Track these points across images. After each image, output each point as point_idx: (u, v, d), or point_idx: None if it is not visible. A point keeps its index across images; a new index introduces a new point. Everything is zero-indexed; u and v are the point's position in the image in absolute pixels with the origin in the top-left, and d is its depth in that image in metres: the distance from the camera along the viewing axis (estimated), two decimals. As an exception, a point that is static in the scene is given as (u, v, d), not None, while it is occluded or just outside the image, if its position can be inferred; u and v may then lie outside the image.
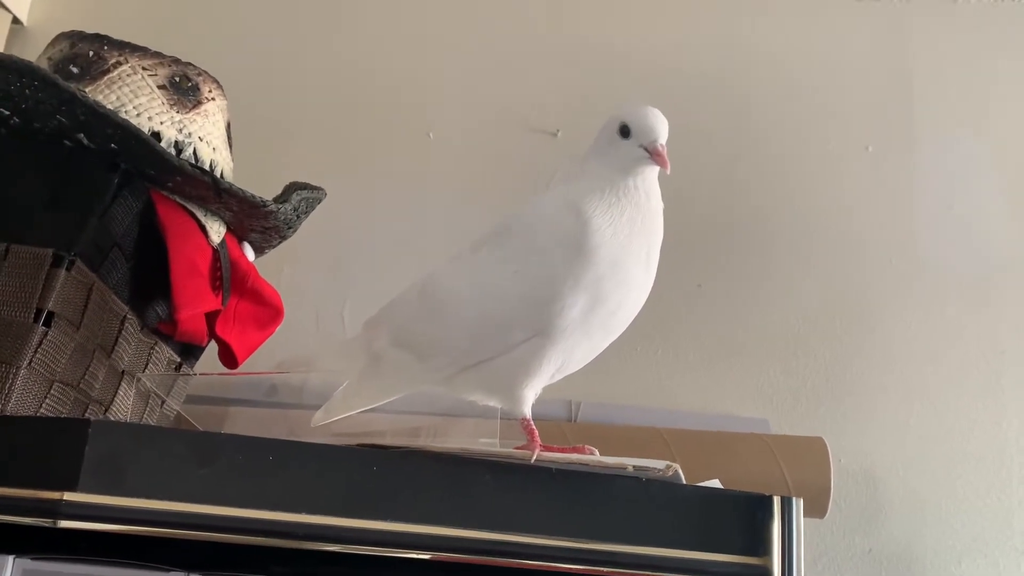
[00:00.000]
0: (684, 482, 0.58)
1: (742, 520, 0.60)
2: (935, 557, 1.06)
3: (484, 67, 1.23)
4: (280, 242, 0.84)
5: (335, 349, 0.67)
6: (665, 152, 0.58)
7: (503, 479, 0.57)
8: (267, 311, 0.83)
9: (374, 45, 1.24)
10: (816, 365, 1.12)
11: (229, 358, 0.81)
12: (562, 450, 0.57)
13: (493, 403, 0.61)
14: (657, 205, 0.60)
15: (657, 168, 0.60)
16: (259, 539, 0.53)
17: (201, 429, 0.82)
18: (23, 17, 1.29)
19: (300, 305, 1.04)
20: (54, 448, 0.53)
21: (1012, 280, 1.15)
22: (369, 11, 1.26)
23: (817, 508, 0.87)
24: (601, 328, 0.58)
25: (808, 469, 0.87)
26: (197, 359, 0.85)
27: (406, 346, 0.60)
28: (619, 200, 0.58)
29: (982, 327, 1.13)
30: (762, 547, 0.59)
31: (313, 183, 0.80)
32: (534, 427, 0.58)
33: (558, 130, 1.21)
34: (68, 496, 0.51)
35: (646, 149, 0.59)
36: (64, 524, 0.51)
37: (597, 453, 0.57)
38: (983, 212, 1.17)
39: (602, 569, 0.57)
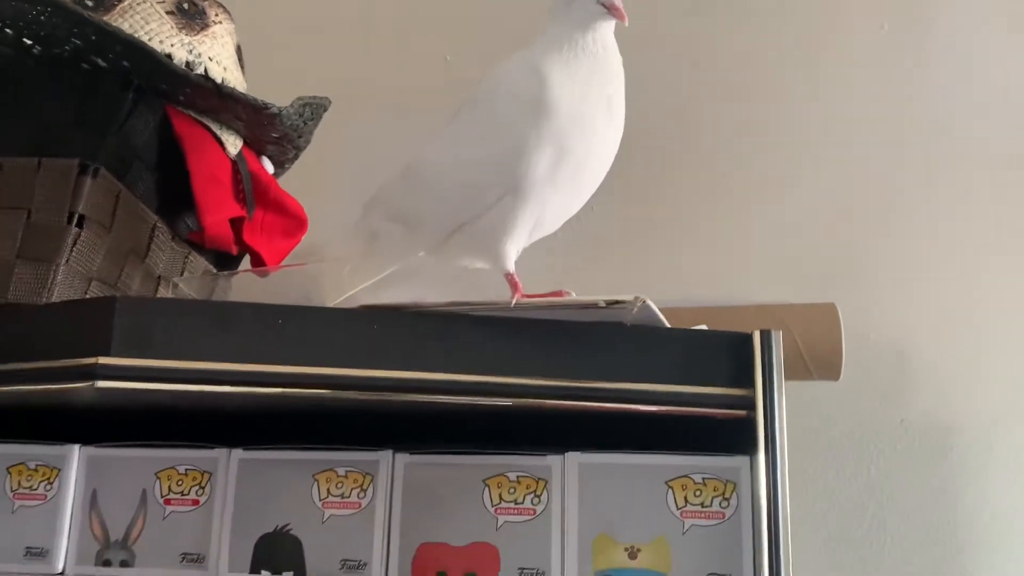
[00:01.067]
0: (660, 316, 0.61)
1: (725, 355, 0.64)
2: (967, 423, 1.07)
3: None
4: (295, 153, 0.89)
5: (341, 234, 0.73)
6: (621, 4, 0.62)
7: (490, 328, 0.61)
8: (292, 221, 0.89)
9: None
10: (840, 246, 1.13)
11: (260, 266, 0.87)
12: (540, 296, 0.61)
13: (480, 264, 0.66)
14: (615, 57, 0.63)
15: (614, 22, 0.63)
16: (270, 390, 0.59)
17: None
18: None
19: (323, 230, 1.10)
20: (88, 323, 0.59)
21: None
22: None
23: (831, 370, 0.90)
24: (571, 181, 0.62)
25: (820, 333, 0.89)
26: (235, 269, 0.92)
27: (397, 219, 0.66)
28: (576, 56, 0.61)
29: (1009, 198, 1.12)
30: (745, 378, 0.63)
31: (330, 116, 0.85)
32: (517, 280, 0.62)
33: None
34: (103, 360, 0.58)
35: (603, 4, 0.62)
36: (101, 384, 0.58)
37: (574, 295, 0.61)
38: (1007, 81, 1.16)
39: (589, 404, 0.62)
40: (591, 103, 0.61)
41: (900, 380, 1.09)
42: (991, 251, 1.11)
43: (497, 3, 1.25)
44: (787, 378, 0.93)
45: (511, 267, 0.63)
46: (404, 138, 1.19)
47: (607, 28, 0.64)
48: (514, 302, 0.60)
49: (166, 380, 0.59)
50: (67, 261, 0.67)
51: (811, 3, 1.21)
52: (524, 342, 0.61)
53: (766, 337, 0.63)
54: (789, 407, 1.02)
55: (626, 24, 0.62)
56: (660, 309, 0.99)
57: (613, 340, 0.63)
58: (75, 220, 0.67)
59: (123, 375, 0.58)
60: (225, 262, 0.90)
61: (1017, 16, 1.17)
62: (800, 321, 0.90)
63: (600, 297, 0.58)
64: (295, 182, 0.93)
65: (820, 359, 0.87)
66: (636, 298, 0.58)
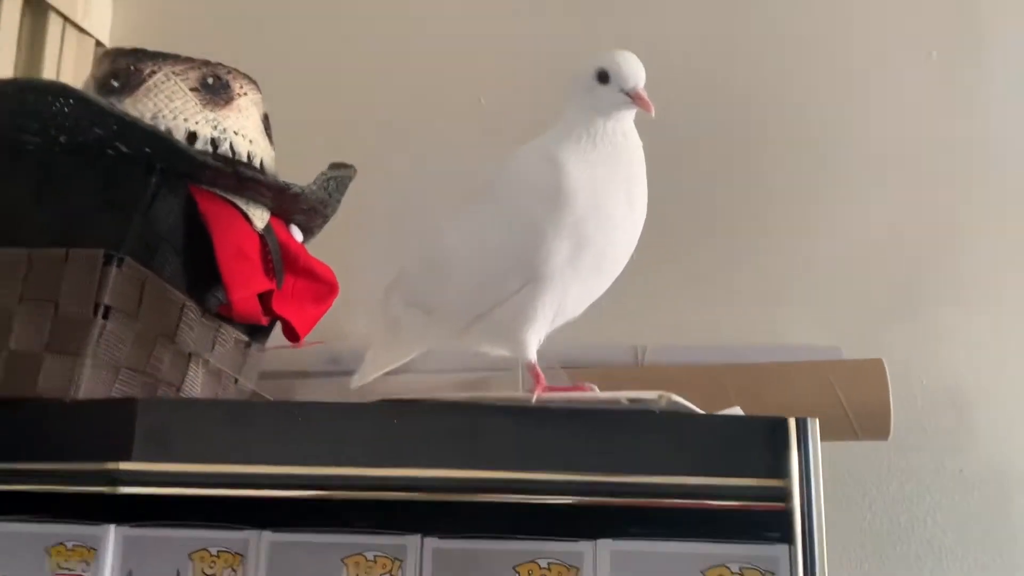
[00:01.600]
0: (689, 407, 0.59)
1: (759, 443, 0.61)
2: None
3: (536, 30, 1.25)
4: (323, 222, 0.89)
5: (364, 315, 0.72)
6: (645, 94, 0.60)
7: (514, 420, 0.60)
8: (323, 287, 0.89)
9: (424, 11, 1.27)
10: (890, 287, 1.09)
11: (291, 333, 0.87)
12: (562, 389, 0.59)
13: (501, 351, 0.64)
14: (635, 144, 0.61)
15: (634, 111, 0.61)
16: (291, 492, 0.59)
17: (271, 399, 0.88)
18: (105, 39, 1.39)
19: (358, 279, 1.09)
20: (109, 425, 0.59)
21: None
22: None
23: (880, 429, 0.86)
24: (592, 270, 0.60)
25: (867, 391, 0.86)
26: (266, 338, 0.92)
27: (417, 305, 0.64)
28: (595, 145, 0.59)
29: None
30: (780, 468, 0.60)
31: (366, 157, 0.85)
32: (539, 371, 0.61)
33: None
34: (124, 465, 0.58)
35: (627, 94, 0.60)
36: (123, 490, 0.57)
37: (596, 390, 0.59)
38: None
39: (619, 500, 0.60)
40: (610, 192, 0.59)
41: (956, 429, 1.04)
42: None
43: (531, 43, 1.23)
44: (833, 439, 0.90)
45: (533, 356, 0.62)
46: (438, 183, 1.21)
47: (628, 116, 0.62)
48: (535, 397, 0.58)
49: (187, 484, 0.58)
50: (94, 354, 0.67)
51: (857, 33, 1.16)
52: (550, 434, 0.60)
53: (802, 425, 0.61)
54: (840, 461, 1.00)
55: (652, 115, 0.60)
56: (702, 367, 0.97)
57: (642, 430, 0.61)
58: (100, 311, 0.67)
59: (144, 480, 0.58)
60: (256, 330, 0.90)
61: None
62: (846, 379, 0.86)
63: (623, 394, 0.56)
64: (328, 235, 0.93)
65: (867, 419, 0.84)
66: (660, 396, 0.56)
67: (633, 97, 0.61)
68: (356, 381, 0.69)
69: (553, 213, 0.58)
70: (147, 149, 0.70)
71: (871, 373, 0.86)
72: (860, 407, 0.84)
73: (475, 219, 0.62)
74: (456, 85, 1.24)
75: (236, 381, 0.87)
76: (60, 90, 0.68)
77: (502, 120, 1.22)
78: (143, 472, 0.58)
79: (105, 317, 0.68)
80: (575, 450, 0.60)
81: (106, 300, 0.68)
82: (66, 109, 0.69)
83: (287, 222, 0.87)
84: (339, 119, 1.22)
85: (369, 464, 0.59)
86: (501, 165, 0.64)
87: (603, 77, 0.62)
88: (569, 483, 0.59)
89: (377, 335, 0.68)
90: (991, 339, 1.06)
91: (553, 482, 0.59)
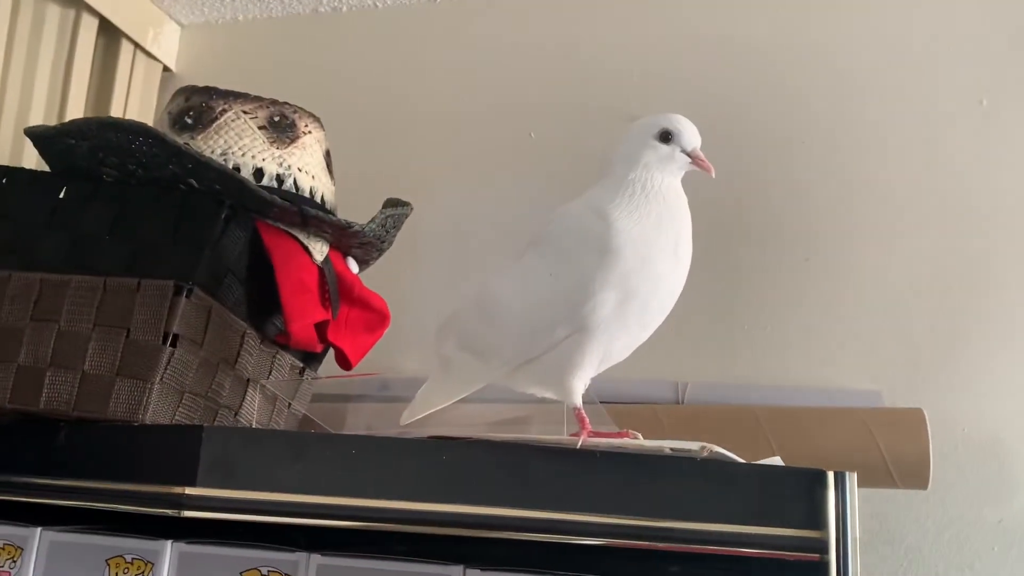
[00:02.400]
0: (732, 457, 0.61)
1: (797, 494, 0.63)
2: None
3: (582, 63, 1.28)
4: (379, 255, 0.92)
5: (415, 349, 0.75)
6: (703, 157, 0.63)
7: (562, 462, 0.62)
8: (375, 316, 0.92)
9: (476, 48, 1.31)
10: (932, 333, 1.09)
11: (344, 361, 0.90)
12: (607, 435, 0.61)
13: (548, 395, 0.67)
14: (683, 200, 0.64)
15: (687, 171, 0.64)
16: (344, 523, 0.61)
17: (324, 426, 0.92)
18: (172, 65, 1.45)
19: (416, 310, 1.12)
20: (176, 450, 0.63)
21: None
22: (473, 20, 1.33)
23: (919, 479, 0.87)
24: (637, 320, 0.62)
25: (906, 441, 0.86)
26: (320, 363, 0.95)
27: (468, 349, 0.67)
28: (647, 200, 0.62)
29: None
30: (818, 520, 0.62)
31: (423, 191, 0.88)
32: (584, 415, 0.63)
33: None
34: (189, 490, 0.61)
35: (688, 155, 0.63)
36: (187, 514, 0.61)
37: (640, 437, 0.61)
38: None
39: (658, 544, 0.62)
40: (658, 247, 0.61)
41: (997, 479, 1.04)
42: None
43: (579, 75, 1.26)
44: (871, 486, 0.91)
45: (579, 402, 0.64)
46: (490, 214, 1.24)
47: (680, 174, 0.64)
48: (580, 443, 0.60)
49: (247, 511, 0.61)
50: (161, 379, 0.71)
51: (907, 78, 1.17)
52: (591, 477, 0.62)
53: (840, 478, 0.62)
54: (877, 509, 1.00)
55: (713, 176, 0.63)
56: (742, 408, 0.98)
57: (682, 476, 0.63)
58: (169, 339, 0.71)
59: (207, 506, 0.61)
60: (310, 356, 0.93)
61: None
62: (885, 427, 0.87)
63: (666, 443, 0.58)
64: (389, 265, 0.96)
65: (906, 468, 0.85)
66: (703, 447, 0.58)
67: (694, 158, 0.64)
68: (406, 417, 0.72)
69: (601, 265, 0.60)
70: (217, 187, 0.74)
71: (911, 422, 0.87)
72: (899, 456, 0.85)
73: (527, 270, 0.65)
74: (507, 119, 1.28)
75: (289, 405, 0.91)
76: (141, 130, 0.72)
77: (549, 151, 1.25)
78: (206, 497, 0.61)
79: (173, 345, 0.71)
80: (615, 493, 0.62)
81: (175, 328, 0.71)
82: (144, 147, 0.73)
83: (344, 254, 0.90)
84: (396, 154, 1.26)
85: (416, 498, 0.62)
86: (553, 218, 0.67)
87: (665, 137, 0.65)
88: (608, 526, 0.61)
89: (431, 373, 0.71)
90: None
91: (592, 524, 0.61)
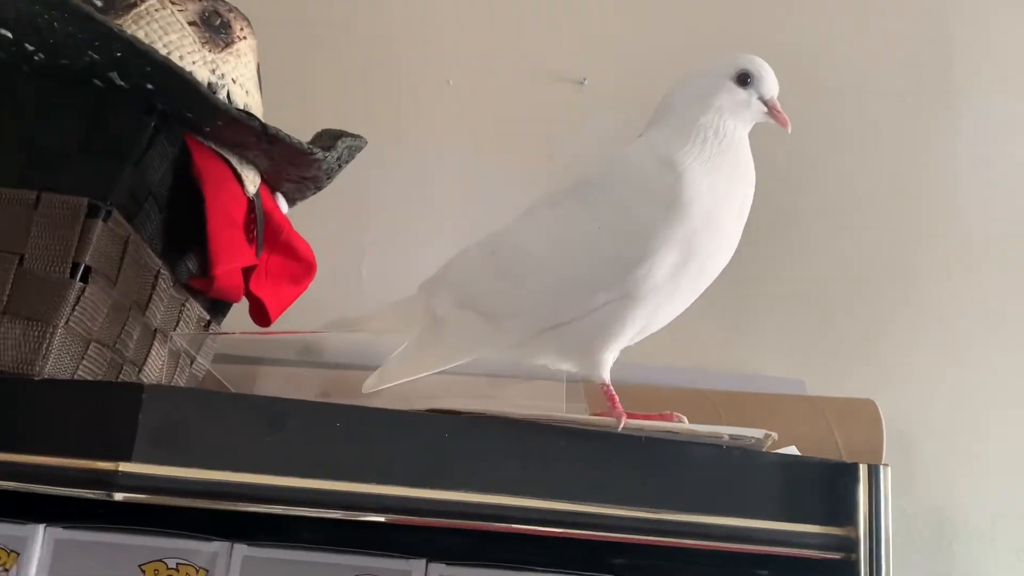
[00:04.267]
0: (795, 453, 0.55)
1: (826, 489, 0.57)
2: (968, 517, 1.05)
3: (505, 10, 1.18)
4: (314, 193, 0.79)
5: (388, 311, 0.63)
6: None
7: (582, 447, 0.53)
8: (300, 266, 0.79)
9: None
10: (852, 324, 1.09)
11: (262, 315, 0.77)
12: (649, 417, 0.53)
13: (567, 367, 0.57)
14: (750, 156, 0.56)
15: (754, 121, 0.56)
16: (327, 511, 0.50)
17: (231, 388, 0.78)
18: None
19: (336, 260, 1.00)
20: (106, 415, 0.48)
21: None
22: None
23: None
24: (689, 286, 0.55)
25: (859, 432, 0.84)
26: (225, 315, 0.81)
27: (474, 308, 0.56)
28: (720, 148, 0.54)
29: (1020, 285, 1.11)
30: (847, 517, 0.57)
31: (361, 121, 0.76)
32: (614, 393, 0.54)
33: (584, 78, 1.16)
34: (124, 467, 0.47)
35: (765, 103, 0.55)
36: (120, 497, 0.47)
37: (686, 420, 0.53)
38: (1021, 169, 1.14)
39: (681, 541, 0.55)
40: (726, 206, 0.53)
41: (904, 467, 1.06)
42: (1001, 339, 1.09)
43: (500, 24, 1.16)
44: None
45: (607, 376, 0.55)
46: (404, 166, 1.12)
47: (750, 124, 0.57)
48: (621, 426, 0.51)
49: (197, 495, 0.48)
50: (67, 322, 0.55)
51: (835, 74, 1.16)
52: (617, 464, 0.54)
53: (874, 472, 0.57)
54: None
55: (788, 131, 0.55)
56: (692, 392, 0.93)
57: (709, 466, 0.56)
58: (79, 273, 0.56)
59: (146, 486, 0.48)
60: (220, 307, 0.79)
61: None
62: (841, 417, 0.84)
63: (723, 429, 0.51)
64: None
65: (859, 459, 0.82)
66: (767, 435, 0.51)
67: (771, 108, 0.56)
68: (372, 384, 0.60)
69: (665, 220, 0.52)
70: (150, 85, 0.59)
71: (865, 413, 0.85)
72: (855, 448, 0.83)
73: (566, 220, 0.55)
74: (424, 64, 1.16)
75: (192, 362, 0.76)
76: (58, 1, 0.55)
77: (470, 102, 1.15)
78: (146, 476, 0.47)
79: (84, 279, 0.56)
80: (636, 483, 0.54)
81: (87, 259, 0.56)
82: (56, 23, 0.57)
83: (273, 189, 0.77)
84: (298, 87, 1.11)
85: (415, 484, 0.51)
86: (605, 162, 0.57)
87: (743, 80, 0.56)
88: (636, 521, 0.53)
89: (408, 336, 0.59)
90: (940, 382, 1.08)
91: (606, 517, 0.53)
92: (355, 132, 0.80)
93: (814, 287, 1.10)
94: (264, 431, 0.50)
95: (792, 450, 0.62)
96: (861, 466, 0.57)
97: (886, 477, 0.57)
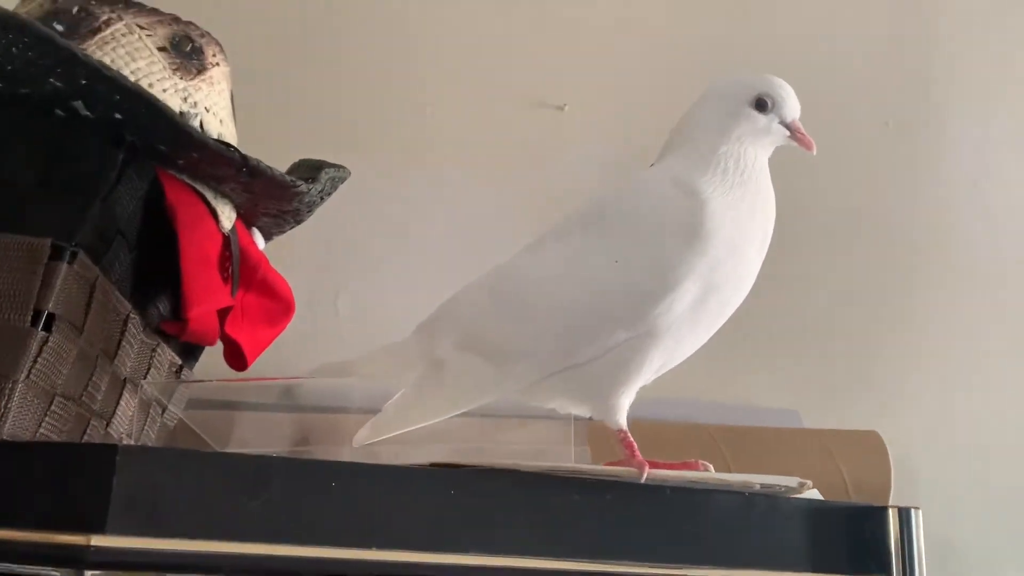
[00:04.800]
0: (814, 498, 0.51)
1: (856, 534, 0.54)
2: (971, 547, 1.02)
3: (484, 37, 1.15)
4: (293, 227, 0.74)
5: (381, 354, 0.59)
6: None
7: (600, 500, 0.49)
8: (278, 305, 0.74)
9: (368, 14, 1.14)
10: (846, 353, 1.07)
11: (238, 358, 0.72)
12: (672, 466, 0.49)
13: (579, 411, 0.53)
14: (770, 185, 0.53)
15: (776, 145, 0.53)
16: (325, 583, 0.45)
17: (207, 439, 0.72)
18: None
19: (319, 300, 0.95)
20: (75, 481, 0.43)
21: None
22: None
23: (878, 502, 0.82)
24: (710, 321, 0.51)
25: (865, 466, 0.81)
26: (198, 359, 0.76)
27: (478, 350, 0.52)
28: (743, 179, 0.50)
29: (1012, 309, 1.09)
30: (879, 564, 0.53)
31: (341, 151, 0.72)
32: (632, 440, 0.50)
33: (565, 104, 1.13)
34: (96, 540, 0.42)
35: (787, 127, 0.52)
36: (92, 574, 0.42)
37: (712, 468, 0.50)
38: (1009, 189, 1.13)
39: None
40: (749, 237, 0.50)
41: (904, 498, 1.03)
42: (997, 364, 1.07)
43: (479, 51, 1.13)
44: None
45: (624, 422, 0.51)
46: (381, 195, 1.07)
47: (771, 149, 0.53)
48: (644, 477, 0.47)
49: (177, 568, 0.43)
50: (28, 375, 0.50)
51: (813, 97, 1.15)
52: (638, 518, 0.49)
53: (905, 516, 0.54)
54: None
55: (814, 153, 0.52)
56: (690, 425, 0.89)
57: (734, 516, 0.52)
58: (42, 321, 0.51)
59: (121, 560, 0.42)
60: (192, 351, 0.74)
61: (1018, 119, 1.15)
62: (845, 450, 0.81)
63: (755, 479, 0.47)
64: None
65: (868, 494, 0.79)
66: (801, 483, 0.47)
67: (793, 131, 0.53)
68: (366, 436, 0.55)
69: (688, 252, 0.48)
70: (118, 115, 0.54)
71: (871, 446, 0.82)
72: (861, 481, 0.79)
73: (578, 252, 0.51)
74: (402, 91, 1.12)
75: (164, 411, 0.71)
76: (16, 24, 0.51)
77: (449, 129, 1.11)
78: (121, 550, 0.42)
79: (47, 328, 0.51)
80: (659, 538, 0.50)
81: (50, 306, 0.51)
82: (14, 48, 0.52)
83: (249, 224, 0.72)
84: (274, 115, 1.06)
85: (420, 547, 0.46)
86: (621, 189, 0.53)
87: (762, 105, 0.53)
88: (657, 577, 0.49)
89: (404, 381, 0.55)
90: (938, 411, 1.06)
91: (636, 576, 0.49)
92: (330, 161, 0.76)
93: (806, 316, 1.08)
94: (249, 494, 0.45)
95: (815, 493, 0.58)
96: (891, 510, 0.54)
97: (918, 520, 0.54)
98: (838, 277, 1.09)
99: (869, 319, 1.08)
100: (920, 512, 0.54)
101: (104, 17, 0.62)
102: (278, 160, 0.77)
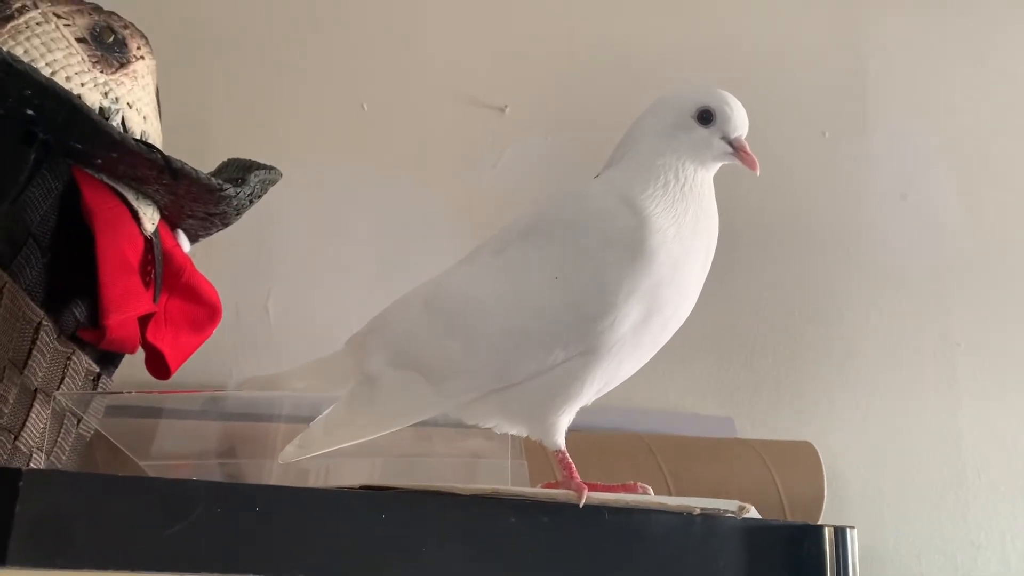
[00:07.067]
0: (756, 517, 0.51)
1: (789, 553, 0.53)
2: (894, 554, 1.04)
3: (424, 34, 1.12)
4: (220, 229, 0.71)
5: (310, 368, 0.56)
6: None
7: (535, 522, 0.48)
8: (203, 310, 0.71)
9: (302, 7, 1.10)
10: (775, 360, 1.07)
11: (160, 367, 0.69)
12: (611, 488, 0.48)
13: (516, 431, 0.52)
14: (714, 200, 0.52)
15: (719, 163, 0.52)
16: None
17: (125, 450, 0.69)
18: None
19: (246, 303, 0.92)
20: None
21: (966, 271, 1.14)
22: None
23: (811, 516, 0.82)
24: (651, 340, 0.50)
25: (799, 477, 0.82)
26: (117, 366, 0.72)
27: (412, 367, 0.50)
28: (684, 194, 0.49)
29: (937, 319, 1.11)
30: (812, 585, 0.53)
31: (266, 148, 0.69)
32: (571, 461, 0.49)
33: (506, 106, 1.11)
34: (-4, 573, 0.39)
35: (731, 143, 0.51)
36: (-10, 610, 0.39)
37: (651, 491, 0.48)
38: (936, 202, 1.15)
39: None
40: (692, 255, 0.49)
41: (829, 504, 1.04)
42: (919, 371, 1.09)
43: (419, 47, 1.10)
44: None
45: (562, 443, 0.50)
46: (315, 194, 1.04)
47: (715, 169, 0.52)
48: (583, 501, 0.46)
49: (89, 601, 0.40)
50: (-76, 391, 0.46)
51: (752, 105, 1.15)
52: (574, 541, 0.48)
53: (841, 535, 0.54)
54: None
55: (757, 174, 0.51)
56: (626, 435, 0.89)
57: (672, 536, 0.51)
58: (-59, 330, 0.47)
59: (25, 595, 0.39)
60: (110, 358, 0.70)
61: (948, 133, 1.18)
62: (779, 460, 0.81)
63: (694, 502, 0.46)
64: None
65: (800, 504, 0.80)
66: (741, 507, 0.46)
67: (737, 149, 0.51)
68: (292, 454, 0.53)
69: (631, 271, 0.47)
70: (30, 111, 0.51)
71: (804, 456, 0.82)
72: (794, 492, 0.80)
73: (517, 268, 0.49)
74: (337, 87, 1.09)
75: (79, 422, 0.67)
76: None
77: (386, 128, 1.08)
78: (24, 583, 0.39)
79: (-53, 339, 0.47)
80: (595, 562, 0.49)
81: (-49, 315, 0.48)
82: (-86, 38, 0.48)
83: (173, 226, 0.69)
84: (200, 109, 1.02)
85: (349, 574, 0.44)
86: (560, 202, 0.52)
87: (705, 117, 0.51)
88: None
89: (340, 396, 0.52)
90: (861, 417, 1.07)
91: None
92: (259, 159, 0.73)
93: (739, 323, 1.08)
94: (167, 520, 0.42)
95: (753, 513, 0.57)
96: (826, 529, 0.54)
97: (853, 539, 0.54)
98: (772, 283, 1.10)
99: (800, 326, 1.09)
100: (855, 531, 0.54)
101: (18, 4, 0.58)
102: (207, 159, 0.74)
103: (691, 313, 0.97)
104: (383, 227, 1.05)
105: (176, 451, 0.71)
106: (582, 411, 1.00)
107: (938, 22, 1.20)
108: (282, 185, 1.00)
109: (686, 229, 0.49)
